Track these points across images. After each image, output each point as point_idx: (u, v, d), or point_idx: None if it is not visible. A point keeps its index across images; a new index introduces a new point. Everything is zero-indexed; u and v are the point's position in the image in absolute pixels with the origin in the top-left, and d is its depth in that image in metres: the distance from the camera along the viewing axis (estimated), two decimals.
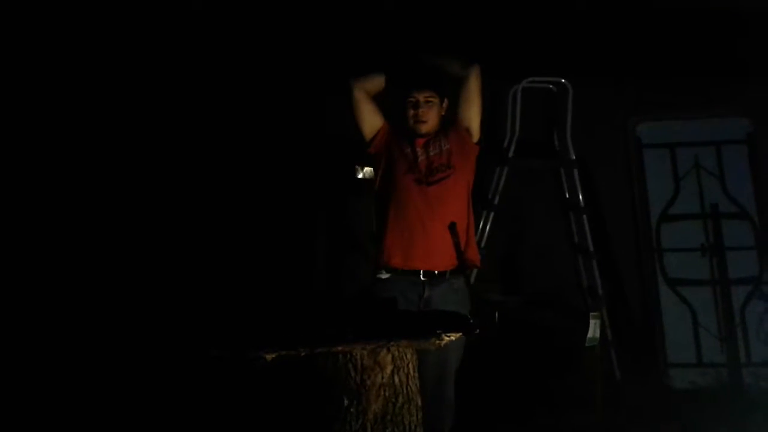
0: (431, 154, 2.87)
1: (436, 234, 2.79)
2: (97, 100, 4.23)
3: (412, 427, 2.14)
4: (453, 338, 2.14)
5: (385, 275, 2.83)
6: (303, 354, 2.00)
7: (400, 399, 2.12)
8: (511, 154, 4.12)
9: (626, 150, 4.41)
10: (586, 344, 3.59)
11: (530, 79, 4.18)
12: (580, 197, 4.13)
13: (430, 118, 2.89)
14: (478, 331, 2.31)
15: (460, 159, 2.89)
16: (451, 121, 2.98)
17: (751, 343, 4.18)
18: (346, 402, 2.05)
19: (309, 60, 4.28)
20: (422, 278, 2.79)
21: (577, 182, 4.14)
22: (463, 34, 4.24)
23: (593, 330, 3.51)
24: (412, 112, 2.87)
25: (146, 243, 4.10)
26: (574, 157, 4.16)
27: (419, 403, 2.19)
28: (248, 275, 4.04)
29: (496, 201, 4.08)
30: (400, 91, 2.89)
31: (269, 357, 1.97)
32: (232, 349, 2.07)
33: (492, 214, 4.07)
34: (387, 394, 2.09)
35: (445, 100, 2.94)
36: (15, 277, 3.94)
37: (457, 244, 2.79)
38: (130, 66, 4.21)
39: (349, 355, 2.05)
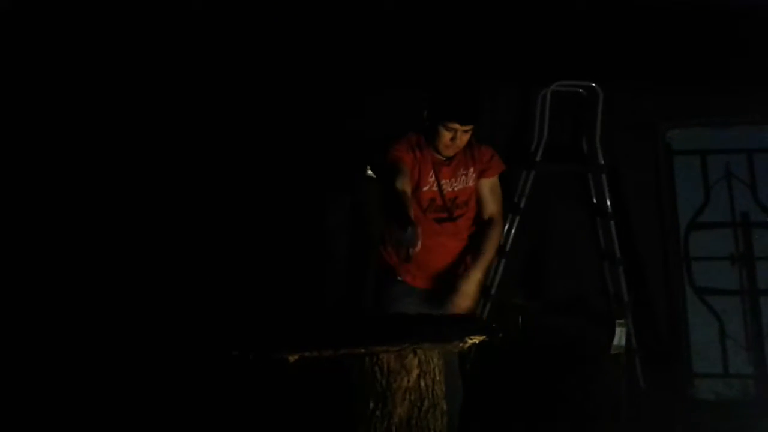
0: (456, 188, 2.88)
1: (453, 254, 2.89)
2: (104, 98, 4.22)
3: (438, 431, 2.13)
4: (477, 341, 2.13)
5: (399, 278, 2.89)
6: (327, 355, 2.00)
7: (426, 403, 2.11)
8: (538, 158, 4.09)
9: (656, 156, 4.35)
10: (611, 351, 3.56)
11: (559, 82, 4.14)
12: (608, 203, 4.08)
13: (462, 145, 2.84)
14: (501, 334, 2.31)
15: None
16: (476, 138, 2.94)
17: None
18: (371, 405, 2.05)
19: (327, 56, 4.27)
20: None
21: (605, 188, 4.09)
22: (496, 36, 4.23)
23: (619, 337, 3.48)
24: (447, 139, 2.77)
25: (167, 243, 4.10)
26: (602, 163, 4.11)
27: (444, 408, 2.19)
28: (270, 276, 4.05)
29: (522, 204, 4.05)
30: (433, 110, 2.79)
31: (292, 358, 1.98)
32: (254, 350, 2.08)
33: (518, 218, 4.04)
34: (412, 398, 2.09)
35: None
36: (37, 279, 3.97)
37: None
38: (140, 65, 4.22)
39: (375, 358, 2.05)
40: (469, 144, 2.88)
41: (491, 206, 2.95)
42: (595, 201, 4.23)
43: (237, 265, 4.06)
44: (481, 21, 4.24)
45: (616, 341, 3.41)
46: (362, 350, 2.02)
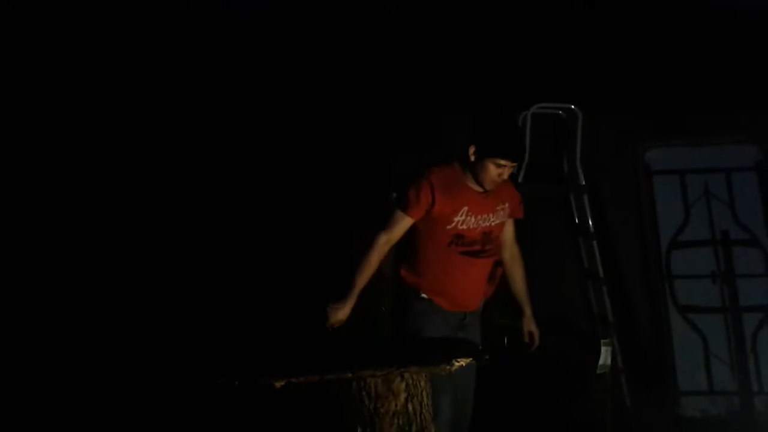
0: (493, 223, 2.77)
1: (479, 284, 2.83)
2: (106, 99, 4.25)
3: None
4: (464, 364, 2.13)
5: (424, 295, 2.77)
6: (313, 381, 1.99)
7: (414, 427, 2.10)
8: (520, 180, 4.12)
9: (636, 176, 4.41)
10: (597, 371, 3.56)
11: (539, 105, 4.19)
12: (590, 223, 4.12)
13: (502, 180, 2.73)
14: (488, 357, 2.32)
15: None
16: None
17: (763, 371, 4.12)
18: (359, 430, 2.04)
19: (351, 66, 4.33)
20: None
21: (587, 208, 4.14)
22: (474, 62, 4.29)
23: (604, 357, 3.47)
24: (495, 175, 2.63)
25: (153, 257, 4.08)
26: (584, 183, 4.16)
27: (432, 431, 2.18)
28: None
29: None
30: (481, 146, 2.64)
31: (278, 384, 1.96)
32: (240, 377, 2.06)
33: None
34: (400, 422, 2.08)
35: None
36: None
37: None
38: (150, 67, 4.26)
39: (362, 383, 2.04)
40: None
41: (515, 245, 2.95)
42: (577, 221, 4.26)
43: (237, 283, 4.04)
44: (462, 45, 4.30)
45: (601, 361, 3.40)
46: (349, 375, 2.01)
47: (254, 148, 4.27)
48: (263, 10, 4.26)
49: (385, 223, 2.70)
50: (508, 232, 2.92)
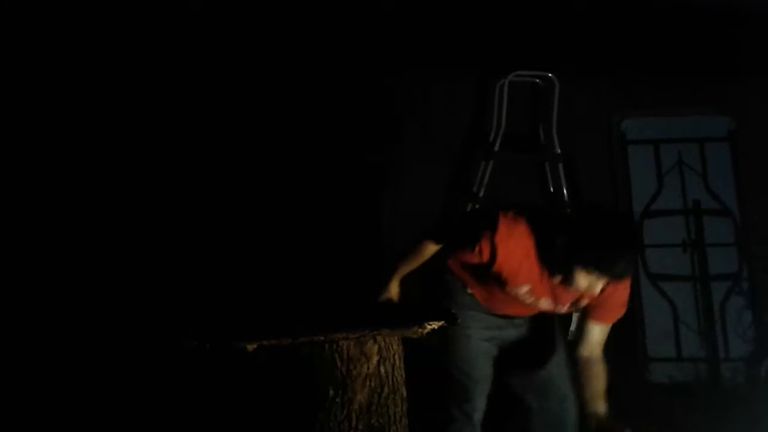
0: (561, 309, 2.38)
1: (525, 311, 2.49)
2: (108, 100, 4.21)
3: (397, 417, 2.14)
4: (435, 327, 2.13)
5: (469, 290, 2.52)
6: (285, 344, 1.99)
7: (386, 389, 2.11)
8: (496, 148, 4.13)
9: (611, 145, 4.43)
10: (568, 338, 3.60)
11: (517, 72, 4.18)
12: (565, 192, 4.14)
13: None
14: (459, 320, 2.30)
15: None
16: None
17: (730, 339, 4.22)
18: (331, 392, 2.05)
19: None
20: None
21: (562, 177, 4.15)
22: (449, 27, 4.25)
23: (575, 323, 3.52)
24: (582, 286, 2.10)
25: (136, 235, 4.06)
26: (559, 152, 4.17)
27: (404, 393, 2.19)
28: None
29: (481, 194, 4.08)
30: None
31: (250, 347, 1.96)
32: (211, 340, 2.05)
33: (477, 207, 4.07)
34: (373, 384, 2.08)
35: None
36: None
37: None
38: (156, 62, 4.21)
39: (335, 345, 2.05)
40: None
41: (598, 349, 2.35)
42: (552, 190, 4.28)
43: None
44: (439, 11, 4.26)
45: (573, 327, 3.44)
46: (321, 338, 2.01)
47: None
48: None
49: (438, 237, 2.46)
50: (591, 330, 2.32)
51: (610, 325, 2.34)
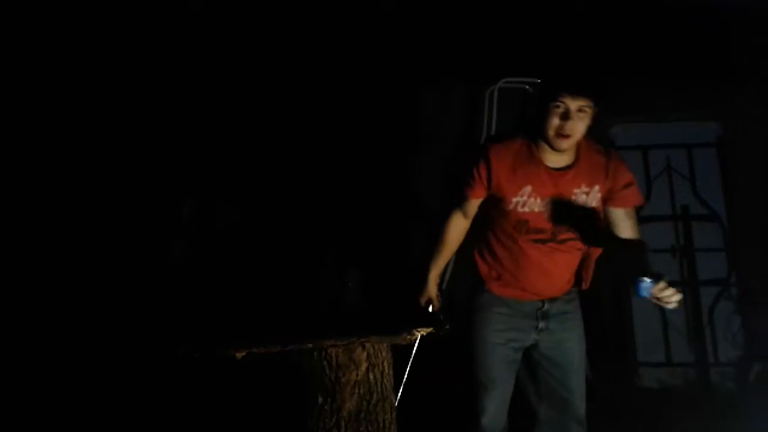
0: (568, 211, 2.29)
1: (557, 275, 2.39)
2: (110, 97, 4.20)
3: (386, 424, 2.14)
4: (424, 333, 2.14)
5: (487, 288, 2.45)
6: (274, 351, 1.99)
7: (375, 396, 2.12)
8: None
9: None
10: None
11: (506, 79, 4.20)
12: None
13: (577, 133, 2.20)
14: (448, 326, 2.32)
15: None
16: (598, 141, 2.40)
17: (719, 343, 4.24)
18: (320, 399, 2.05)
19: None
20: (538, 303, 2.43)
21: None
22: (441, 36, 4.27)
23: None
24: (556, 122, 2.16)
25: (130, 241, 4.06)
26: None
27: (393, 400, 2.20)
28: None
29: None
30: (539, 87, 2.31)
31: (239, 355, 1.96)
32: (201, 348, 2.06)
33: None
34: (361, 391, 2.09)
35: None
36: None
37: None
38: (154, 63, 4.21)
39: (324, 353, 2.05)
40: (596, 150, 2.35)
41: (629, 229, 2.33)
42: None
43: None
44: (434, 21, 4.28)
45: None
46: (310, 345, 2.01)
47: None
48: None
49: (454, 198, 2.44)
50: (622, 227, 2.32)
51: (630, 208, 2.34)
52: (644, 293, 2.03)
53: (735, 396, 4.01)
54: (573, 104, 2.14)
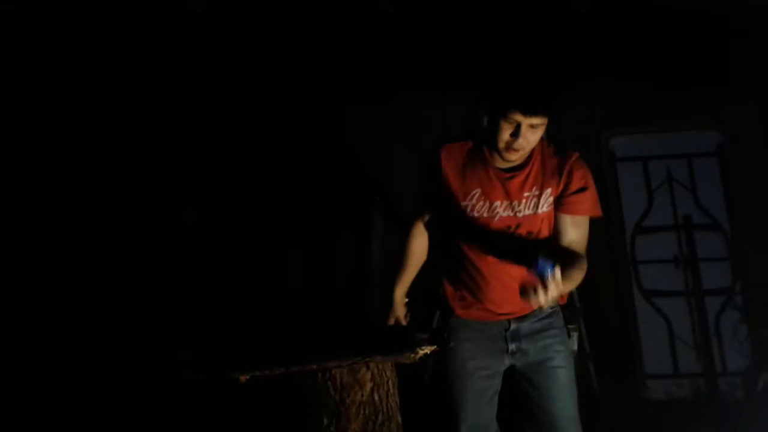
0: (519, 214, 2.18)
1: (516, 281, 2.05)
2: (110, 97, 4.24)
3: None
4: (428, 351, 2.12)
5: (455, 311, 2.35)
6: (278, 373, 1.98)
7: (380, 417, 2.10)
8: None
9: (600, 163, 4.45)
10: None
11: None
12: None
13: (529, 145, 2.09)
14: (452, 344, 2.29)
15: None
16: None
17: (726, 353, 4.22)
18: (325, 420, 2.03)
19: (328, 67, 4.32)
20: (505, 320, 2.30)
21: None
22: (446, 51, 4.29)
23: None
24: (506, 137, 2.06)
25: (129, 256, 4.06)
26: None
27: (399, 420, 2.18)
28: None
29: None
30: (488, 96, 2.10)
31: (243, 378, 1.95)
32: (205, 370, 2.05)
33: None
34: (367, 412, 2.07)
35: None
36: None
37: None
38: (137, 69, 4.24)
39: (328, 374, 2.04)
40: (553, 151, 2.22)
41: (571, 241, 2.18)
42: None
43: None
44: (431, 39, 4.31)
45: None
46: (314, 366, 2.00)
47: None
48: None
49: (416, 207, 2.43)
50: (563, 224, 2.18)
51: (580, 217, 2.19)
52: (543, 270, 1.84)
53: (744, 405, 3.98)
54: (525, 121, 2.03)
